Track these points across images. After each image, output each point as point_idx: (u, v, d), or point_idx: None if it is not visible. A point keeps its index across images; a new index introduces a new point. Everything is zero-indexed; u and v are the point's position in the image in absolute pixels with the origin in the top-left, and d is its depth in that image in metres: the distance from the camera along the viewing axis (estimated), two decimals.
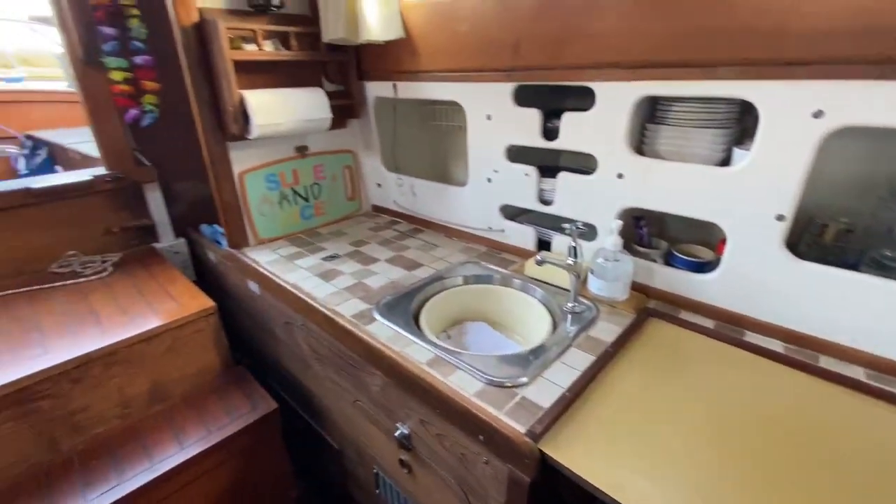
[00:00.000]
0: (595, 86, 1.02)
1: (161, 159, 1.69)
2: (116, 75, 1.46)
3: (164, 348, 1.23)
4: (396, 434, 0.98)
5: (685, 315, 1.02)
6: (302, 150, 1.57)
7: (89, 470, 1.05)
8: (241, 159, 1.40)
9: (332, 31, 1.32)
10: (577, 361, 0.86)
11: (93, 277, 1.48)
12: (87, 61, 1.45)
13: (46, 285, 1.42)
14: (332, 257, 1.40)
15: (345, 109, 1.55)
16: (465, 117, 1.34)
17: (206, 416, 1.21)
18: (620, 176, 1.04)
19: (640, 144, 1.05)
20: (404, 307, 1.09)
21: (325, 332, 1.13)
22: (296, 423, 1.48)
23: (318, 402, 1.35)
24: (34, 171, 2.95)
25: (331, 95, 1.47)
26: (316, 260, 1.38)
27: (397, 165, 1.68)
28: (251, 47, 1.29)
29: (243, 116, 1.29)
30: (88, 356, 1.09)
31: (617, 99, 0.99)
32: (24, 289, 1.40)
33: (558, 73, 1.06)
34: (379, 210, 1.81)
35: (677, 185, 0.97)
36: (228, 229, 1.44)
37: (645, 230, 1.16)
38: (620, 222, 1.00)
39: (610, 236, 1.00)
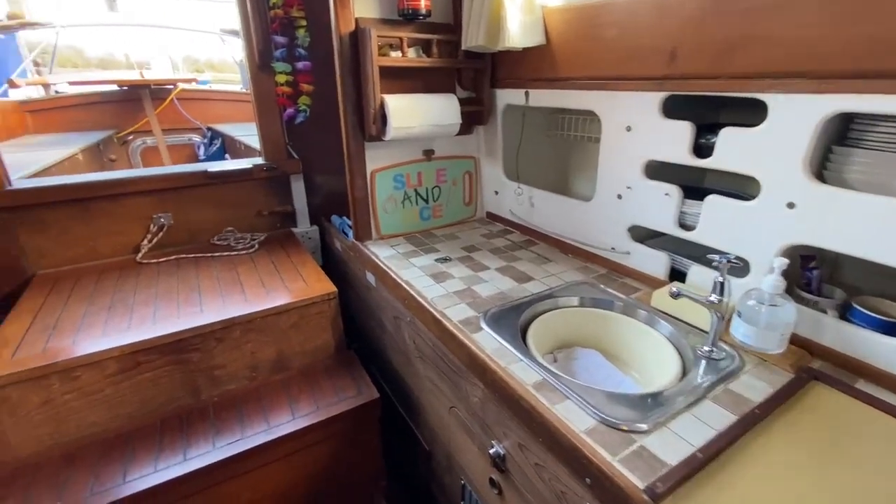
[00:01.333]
0: (769, 98, 0.87)
1: (306, 154, 1.89)
2: (281, 78, 1.67)
3: (291, 323, 1.36)
4: (490, 451, 0.94)
5: (863, 385, 0.82)
6: (428, 154, 1.62)
7: (220, 420, 1.20)
8: (374, 158, 1.49)
9: (472, 38, 1.34)
10: (713, 418, 0.74)
11: (242, 252, 1.71)
12: (260, 66, 1.68)
13: (208, 254, 1.68)
14: (445, 259, 1.42)
15: (473, 116, 1.57)
16: (598, 127, 1.25)
17: (317, 392, 1.30)
18: (791, 205, 0.88)
19: (822, 170, 0.87)
20: (512, 320, 1.06)
21: (430, 332, 1.14)
22: (391, 414, 1.54)
23: (416, 400, 1.37)
24: (210, 157, 3.54)
25: (462, 102, 1.49)
26: (429, 260, 1.41)
27: (518, 174, 1.65)
28: (396, 54, 1.37)
29: (382, 119, 1.37)
30: (232, 320, 1.26)
31: (798, 114, 0.83)
32: (193, 255, 1.67)
33: (722, 83, 0.93)
34: (493, 217, 1.80)
35: (871, 224, 0.78)
36: (355, 222, 1.54)
37: (815, 273, 0.96)
38: (785, 260, 0.83)
39: (769, 276, 0.84)
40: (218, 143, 3.60)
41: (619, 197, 1.24)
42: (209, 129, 3.67)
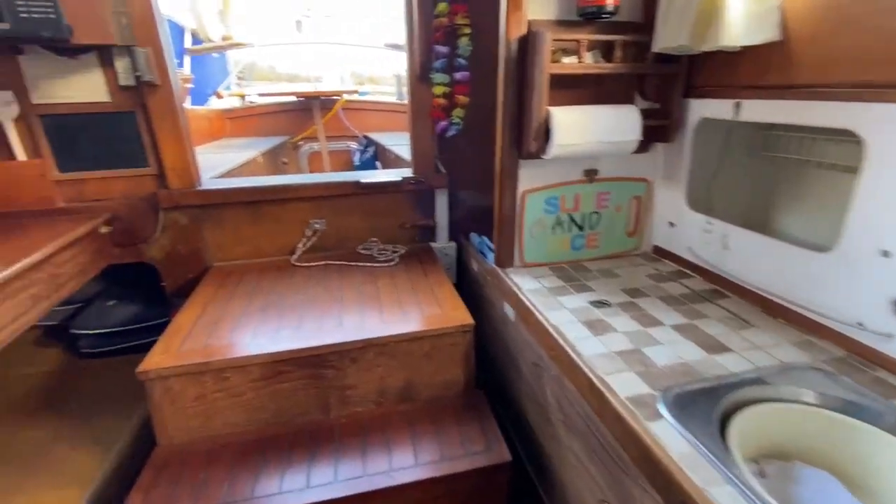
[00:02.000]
0: None
1: (452, 168, 1.81)
2: (438, 90, 1.60)
3: (423, 352, 1.26)
4: None
5: None
6: (591, 175, 1.39)
7: (344, 445, 1.15)
8: (528, 178, 1.32)
9: (671, 37, 1.08)
10: None
11: (383, 264, 1.69)
12: (420, 77, 1.64)
13: (353, 262, 1.70)
14: (602, 304, 1.18)
15: (655, 131, 1.29)
16: (846, 152, 0.89)
17: (442, 436, 1.18)
18: None
19: None
20: (705, 409, 0.78)
21: (583, 400, 0.92)
22: (519, 473, 1.34)
23: (552, 470, 1.16)
24: (363, 163, 3.79)
25: (642, 114, 1.23)
26: (582, 301, 1.19)
27: (711, 205, 1.31)
28: (568, 60, 1.17)
29: (544, 134, 1.19)
30: (369, 341, 1.20)
31: None
32: (339, 262, 1.70)
33: None
34: (661, 254, 1.48)
35: None
36: (499, 246, 1.39)
37: None
38: None
39: None
40: (371, 150, 3.83)
41: (886, 254, 0.86)
42: (365, 137, 3.94)
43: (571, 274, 1.37)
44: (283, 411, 1.20)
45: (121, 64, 1.42)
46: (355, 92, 4.20)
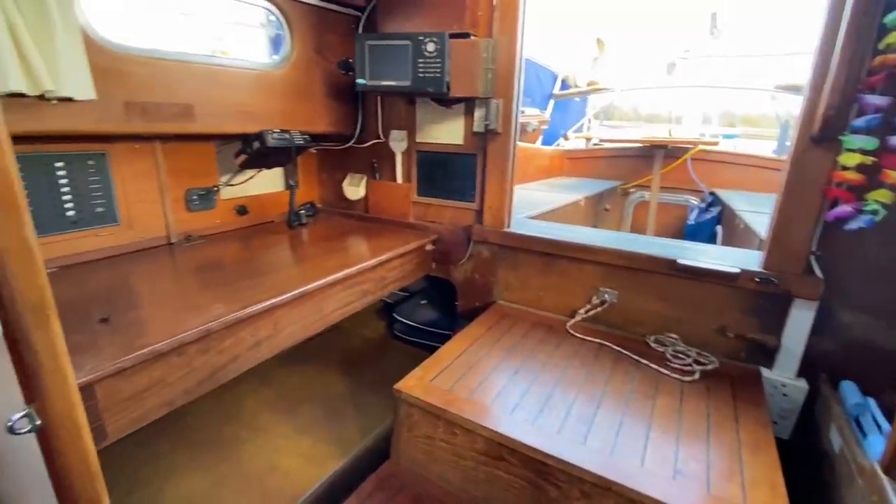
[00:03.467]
0: None
1: (840, 274, 1.17)
2: (850, 159, 1.05)
3: None
4: None
5: None
6: None
7: None
8: None
9: None
10: None
11: (676, 374, 1.28)
12: (818, 137, 1.12)
13: (634, 355, 1.36)
14: None
15: None
16: None
17: None
18: None
19: None
20: None
21: None
22: None
23: None
24: (699, 226, 3.17)
25: None
26: None
27: None
28: None
29: None
30: (610, 484, 0.89)
31: None
32: (618, 347, 1.40)
33: None
34: None
35: None
36: None
37: None
38: None
39: None
40: (714, 211, 3.17)
41: None
42: (711, 193, 3.29)
43: None
44: (491, 500, 1.06)
45: (478, 113, 1.61)
46: (715, 143, 3.57)
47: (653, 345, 1.43)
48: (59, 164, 1.28)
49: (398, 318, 2.21)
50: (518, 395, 1.17)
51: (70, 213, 1.33)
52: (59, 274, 1.27)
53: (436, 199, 1.83)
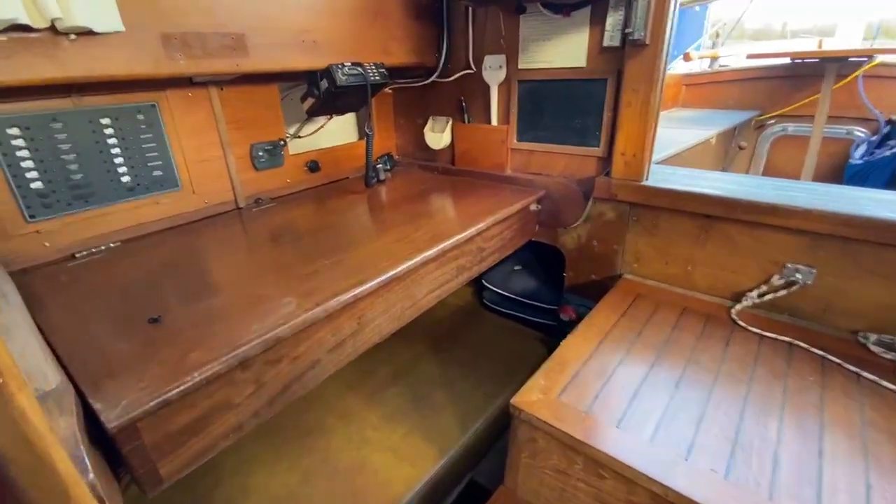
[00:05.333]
0: None
1: None
2: None
3: None
4: None
5: None
6: None
7: None
8: None
9: None
10: None
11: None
12: None
13: (845, 363, 0.95)
14: None
15: None
16: None
17: None
18: None
19: None
20: None
21: None
22: None
23: None
24: (868, 167, 2.45)
25: None
26: None
27: None
28: None
29: None
30: None
31: None
32: (819, 351, 0.99)
33: None
34: None
35: None
36: None
37: None
38: None
39: None
40: (893, 145, 2.42)
41: None
42: (889, 122, 2.51)
43: None
44: None
45: (612, 19, 1.16)
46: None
47: (872, 347, 1.00)
48: (106, 121, 1.08)
49: (488, 285, 1.92)
50: (691, 425, 0.83)
51: (125, 178, 1.14)
52: (119, 250, 1.11)
53: (542, 144, 1.44)
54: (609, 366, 0.99)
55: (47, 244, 1.04)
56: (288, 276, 0.92)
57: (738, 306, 1.16)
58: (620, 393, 0.91)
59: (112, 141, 1.10)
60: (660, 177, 1.28)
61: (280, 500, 1.14)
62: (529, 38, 1.35)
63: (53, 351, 0.70)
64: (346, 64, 1.22)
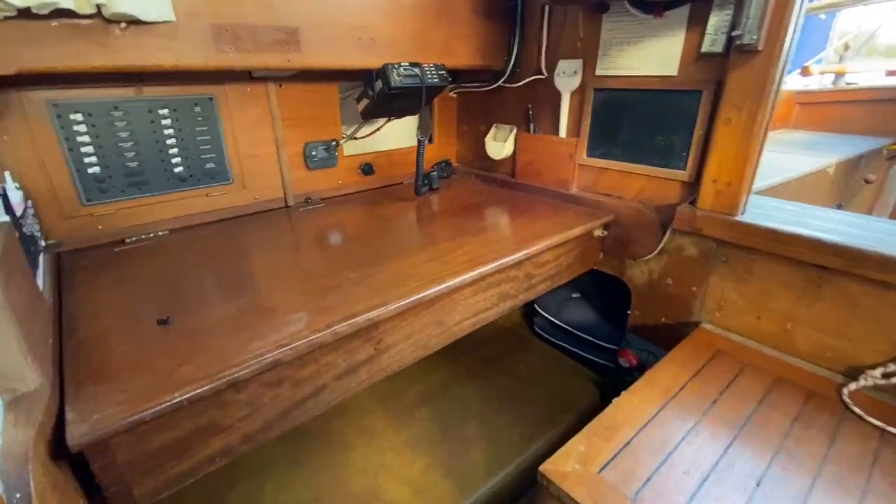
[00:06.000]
0: None
1: None
2: None
3: None
4: None
5: None
6: None
7: None
8: None
9: None
10: None
11: None
12: None
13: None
14: None
15: None
16: None
17: None
18: None
19: None
20: None
21: None
22: None
23: None
24: None
25: None
26: None
27: None
28: None
29: None
30: None
31: None
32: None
33: None
34: None
35: None
36: None
37: None
38: None
39: None
40: None
41: None
42: None
43: None
44: None
45: (716, 20, 0.97)
46: None
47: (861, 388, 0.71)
48: (164, 112, 1.09)
49: (540, 310, 1.75)
50: None
51: (178, 168, 1.15)
52: (166, 238, 1.11)
53: (615, 161, 1.26)
54: (671, 440, 0.80)
55: (100, 227, 1.07)
56: (309, 288, 0.85)
57: (853, 385, 0.90)
58: (682, 480, 0.73)
59: (168, 132, 1.11)
60: (760, 210, 1.06)
61: None
62: (611, 41, 1.19)
63: (60, 342, 0.69)
64: (402, 64, 1.15)
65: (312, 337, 0.68)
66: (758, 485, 0.72)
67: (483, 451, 1.25)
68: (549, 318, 1.70)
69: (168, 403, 0.56)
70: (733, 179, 1.01)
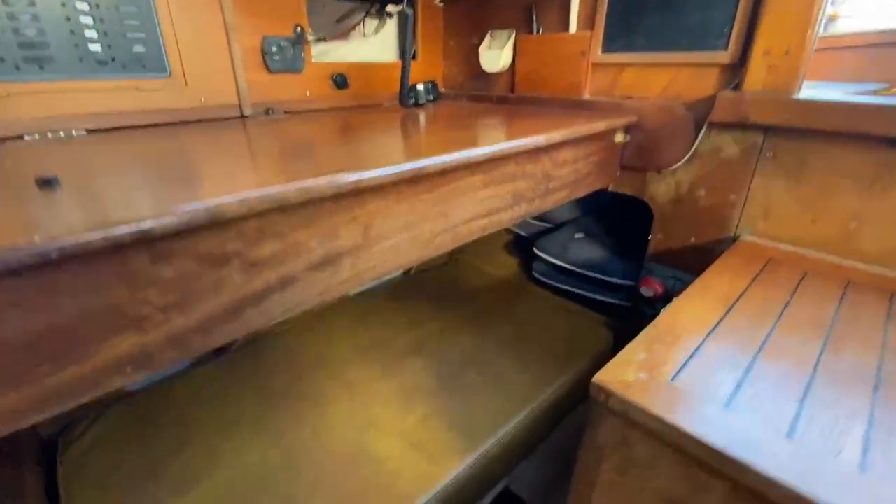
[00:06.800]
0: None
1: None
2: None
3: None
4: None
5: None
6: None
7: None
8: None
9: None
10: None
11: None
12: None
13: None
14: None
15: None
16: None
17: None
18: None
19: None
20: None
21: None
22: None
23: None
24: None
25: None
26: None
27: None
28: None
29: None
30: None
31: None
32: None
33: None
34: None
35: None
36: None
37: None
38: None
39: None
40: None
41: None
42: None
43: None
44: None
45: None
46: None
47: None
48: None
49: (540, 254, 1.57)
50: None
51: (94, 46, 0.89)
52: (81, 140, 0.86)
53: (638, 53, 1.07)
54: (750, 343, 0.62)
55: None
56: (271, 167, 0.62)
57: None
58: (779, 384, 0.55)
59: None
60: (812, 91, 0.89)
61: (254, 485, 0.86)
62: None
63: None
64: None
65: (269, 189, 0.46)
66: (876, 387, 0.55)
67: (489, 398, 1.06)
68: (552, 259, 1.52)
69: (22, 253, 0.33)
70: (792, 46, 0.84)
